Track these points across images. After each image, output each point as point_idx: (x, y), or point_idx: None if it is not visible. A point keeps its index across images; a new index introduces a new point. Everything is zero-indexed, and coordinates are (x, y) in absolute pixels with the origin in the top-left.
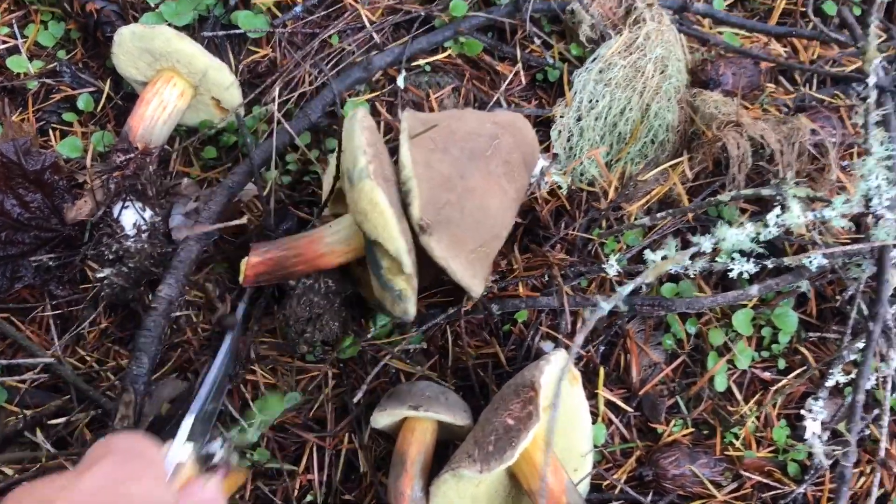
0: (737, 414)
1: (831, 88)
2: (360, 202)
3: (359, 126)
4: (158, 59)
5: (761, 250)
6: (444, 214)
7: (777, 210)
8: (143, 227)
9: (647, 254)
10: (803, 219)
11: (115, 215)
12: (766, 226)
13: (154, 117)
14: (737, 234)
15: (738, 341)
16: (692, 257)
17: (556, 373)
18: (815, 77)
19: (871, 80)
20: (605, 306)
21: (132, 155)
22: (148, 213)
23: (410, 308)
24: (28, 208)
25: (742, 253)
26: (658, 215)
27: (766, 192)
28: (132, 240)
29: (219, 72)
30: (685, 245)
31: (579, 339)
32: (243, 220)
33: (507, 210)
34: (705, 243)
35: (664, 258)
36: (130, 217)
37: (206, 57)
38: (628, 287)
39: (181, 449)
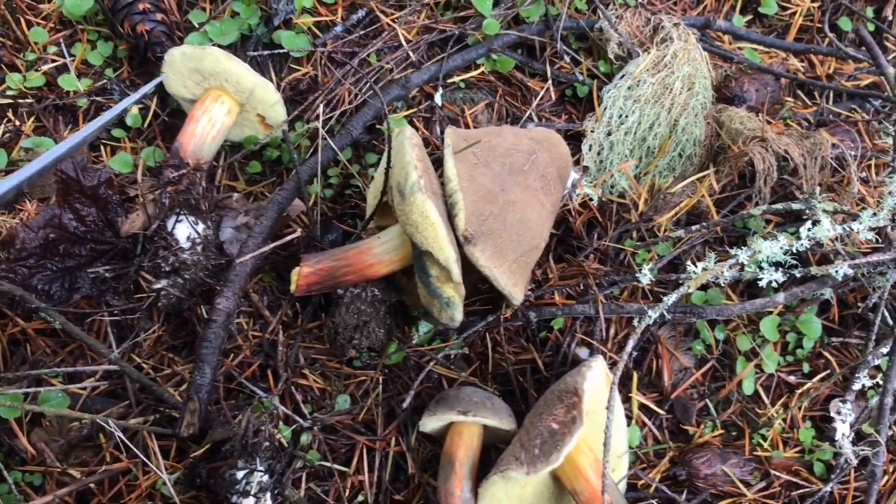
0: (764, 416)
1: (848, 103)
2: (411, 215)
3: (409, 143)
4: (207, 78)
5: (793, 262)
6: (487, 226)
7: (808, 224)
8: (198, 240)
9: (689, 265)
10: (833, 232)
11: (170, 229)
12: (798, 238)
13: (204, 134)
14: (771, 247)
15: (765, 346)
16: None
17: (599, 378)
18: (831, 92)
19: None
20: (652, 314)
21: (184, 171)
22: (201, 227)
23: (457, 314)
24: (84, 222)
25: (770, 263)
26: (692, 228)
27: (796, 206)
28: (188, 252)
29: (265, 90)
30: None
31: (630, 345)
32: (297, 233)
33: (545, 222)
34: (742, 255)
35: (705, 269)
36: (184, 230)
37: (253, 75)
38: (673, 296)
39: None
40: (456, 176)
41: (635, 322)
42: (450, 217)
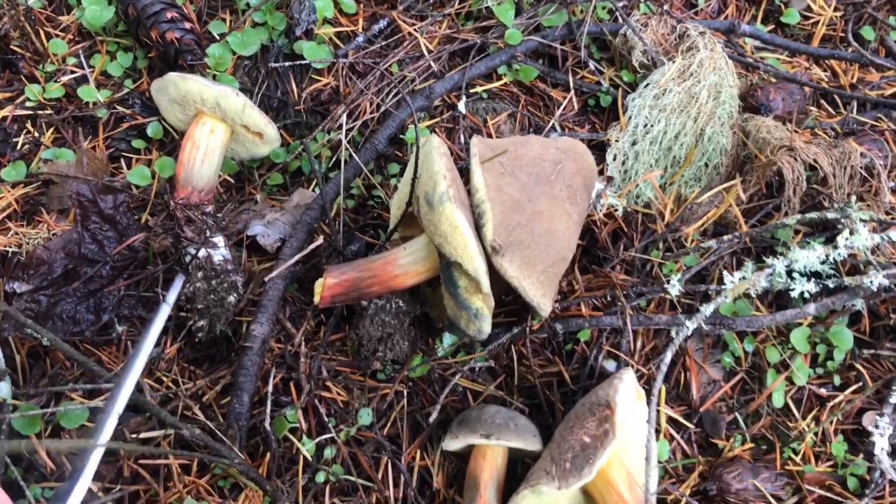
0: (795, 429)
1: (874, 112)
2: (440, 225)
3: (436, 153)
4: (182, 104)
5: (830, 271)
6: (515, 236)
7: (846, 233)
8: (209, 268)
9: (726, 275)
10: (871, 242)
11: (187, 262)
12: (835, 247)
13: (190, 159)
14: (808, 256)
15: (795, 358)
16: (738, 266)
17: (631, 391)
18: (856, 102)
19: None
20: (690, 325)
21: (174, 208)
22: (219, 253)
23: (486, 326)
24: (103, 247)
25: (803, 273)
26: (723, 238)
27: (831, 215)
28: (201, 282)
29: (227, 98)
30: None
31: (668, 356)
32: (319, 241)
33: (572, 233)
34: (779, 265)
35: (743, 279)
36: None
37: (213, 87)
38: (710, 307)
39: None
40: (483, 186)
41: (673, 333)
42: (477, 227)
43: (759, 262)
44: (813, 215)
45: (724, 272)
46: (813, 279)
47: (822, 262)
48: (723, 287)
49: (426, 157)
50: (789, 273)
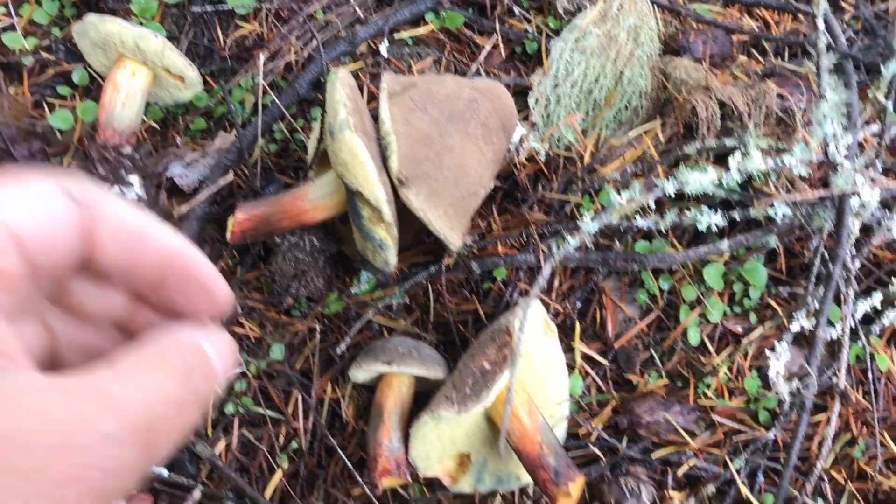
0: (709, 365)
1: (803, 59)
2: (340, 153)
3: (339, 83)
4: (104, 48)
5: (722, 194)
6: (422, 169)
7: (738, 155)
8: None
9: (612, 195)
10: (763, 165)
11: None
12: (727, 170)
13: (111, 102)
14: (700, 178)
15: (709, 296)
16: (660, 210)
17: (533, 319)
18: (787, 50)
19: (820, 23)
20: (573, 241)
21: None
22: (133, 191)
23: (391, 258)
24: None
25: (710, 206)
26: (627, 169)
27: (729, 142)
28: None
29: (146, 40)
30: (659, 205)
31: (546, 269)
32: (229, 177)
33: (485, 170)
34: (668, 186)
35: (631, 199)
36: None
37: (132, 29)
38: (594, 223)
39: None
40: (390, 118)
41: (554, 247)
42: (384, 160)
43: (678, 205)
44: (712, 142)
45: (612, 192)
46: (720, 211)
47: (717, 186)
48: (635, 224)
49: (330, 88)
50: (696, 204)
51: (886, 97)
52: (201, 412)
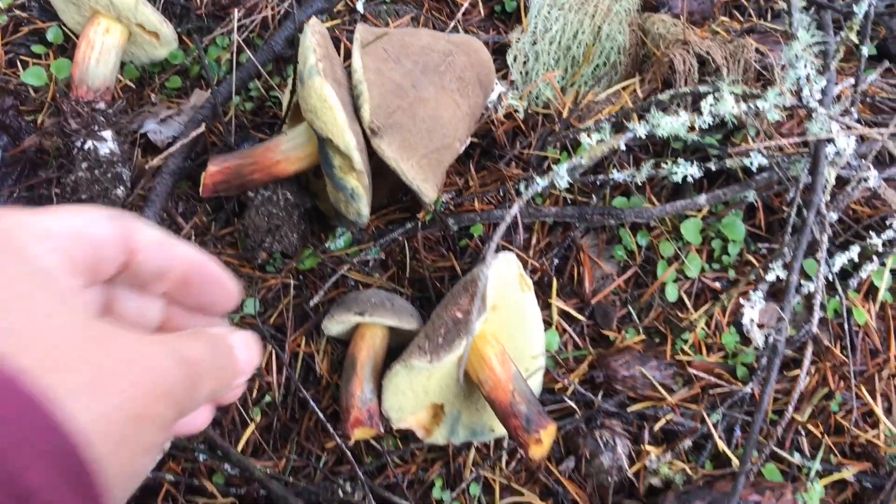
0: (687, 321)
1: (784, 18)
2: (309, 99)
3: (310, 30)
4: (78, 4)
5: (695, 137)
6: (394, 119)
7: (711, 98)
8: (102, 158)
9: (583, 137)
10: (736, 108)
11: (78, 150)
12: (700, 114)
13: (85, 58)
14: (671, 121)
15: (687, 251)
16: (637, 164)
17: (506, 270)
18: (769, 12)
19: None
20: (541, 182)
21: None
22: (106, 146)
23: (363, 208)
24: None
25: (686, 159)
26: (602, 118)
27: (703, 88)
28: (83, 172)
29: None
30: (639, 162)
31: (514, 209)
32: (201, 129)
33: (460, 122)
34: (640, 129)
35: (600, 141)
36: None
37: None
38: (563, 166)
39: None
40: (362, 67)
41: (522, 188)
42: (355, 109)
43: (656, 159)
44: (685, 89)
45: (583, 134)
46: (696, 163)
47: (689, 130)
48: (612, 178)
49: (302, 36)
50: (673, 158)
51: (859, 37)
52: (225, 383)
